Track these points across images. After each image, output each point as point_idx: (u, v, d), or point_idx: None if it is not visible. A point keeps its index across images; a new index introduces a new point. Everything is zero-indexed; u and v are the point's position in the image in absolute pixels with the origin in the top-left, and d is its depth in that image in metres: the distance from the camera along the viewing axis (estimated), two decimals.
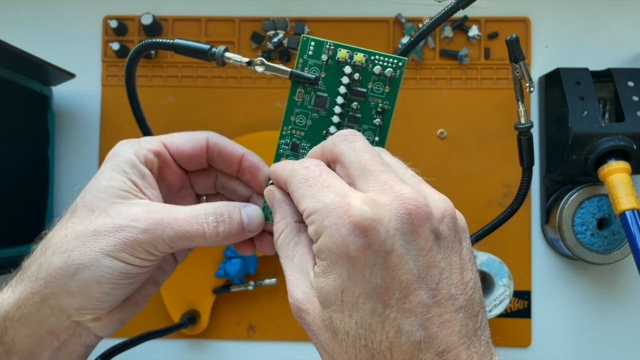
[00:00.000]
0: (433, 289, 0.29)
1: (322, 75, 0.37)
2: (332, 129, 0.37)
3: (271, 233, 0.38)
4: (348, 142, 0.32)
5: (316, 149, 0.34)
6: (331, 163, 0.33)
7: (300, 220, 0.34)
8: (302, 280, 0.31)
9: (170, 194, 0.41)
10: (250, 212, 0.37)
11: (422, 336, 0.28)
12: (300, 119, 0.38)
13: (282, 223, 0.34)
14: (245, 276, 0.60)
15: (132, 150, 0.37)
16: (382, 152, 0.34)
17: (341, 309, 0.29)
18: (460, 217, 0.32)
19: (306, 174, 0.31)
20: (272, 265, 0.60)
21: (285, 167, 0.34)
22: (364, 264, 0.28)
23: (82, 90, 0.62)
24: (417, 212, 0.29)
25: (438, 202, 0.31)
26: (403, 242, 0.28)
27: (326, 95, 0.37)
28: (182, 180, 0.40)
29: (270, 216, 0.38)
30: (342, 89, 0.37)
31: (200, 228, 0.35)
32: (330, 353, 0.30)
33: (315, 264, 0.31)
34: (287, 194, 0.35)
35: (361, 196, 0.29)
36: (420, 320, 0.28)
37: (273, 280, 0.59)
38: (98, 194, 0.36)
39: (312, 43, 0.37)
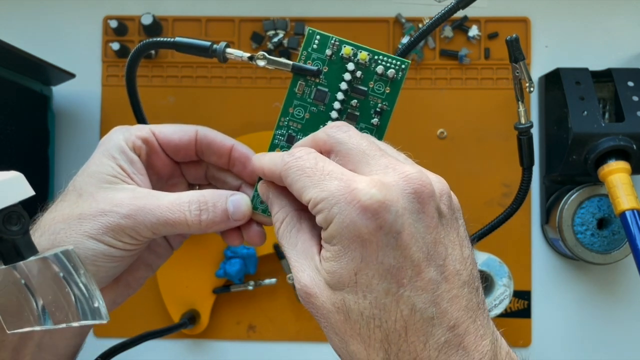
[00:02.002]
0: (441, 265, 0.30)
1: (325, 70, 0.37)
2: (329, 124, 0.37)
3: (259, 223, 0.39)
4: (343, 131, 0.32)
5: (306, 140, 0.34)
6: (324, 153, 0.33)
7: (300, 208, 0.34)
8: (307, 265, 0.32)
9: (161, 182, 0.41)
10: (237, 201, 0.37)
11: (434, 312, 0.29)
12: (299, 112, 0.38)
13: (282, 212, 0.34)
14: (245, 276, 0.60)
15: (122, 137, 0.38)
16: (374, 139, 0.34)
17: (355, 290, 0.29)
18: (454, 196, 0.33)
19: (301, 165, 0.31)
20: (272, 265, 0.60)
21: (276, 160, 0.34)
22: (376, 245, 0.29)
23: (82, 90, 0.62)
24: (422, 190, 0.29)
25: (435, 181, 0.31)
26: (412, 221, 0.29)
27: (326, 90, 0.37)
28: (171, 169, 0.41)
29: (259, 205, 0.38)
30: (343, 85, 0.37)
31: (182, 216, 0.35)
32: (341, 335, 0.30)
33: (320, 250, 0.31)
34: (281, 187, 0.35)
35: (366, 179, 0.29)
36: (432, 297, 0.29)
37: (273, 280, 0.59)
38: (87, 179, 0.36)
39: (318, 37, 0.37)
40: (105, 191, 0.35)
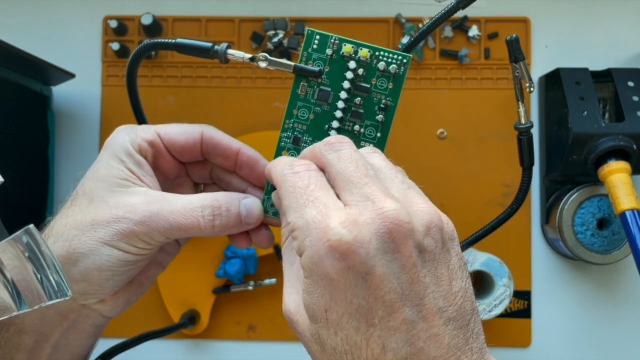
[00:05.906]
0: (418, 304, 0.29)
1: (326, 70, 0.37)
2: (334, 123, 0.37)
3: (267, 227, 0.39)
4: (334, 150, 0.32)
5: (307, 151, 0.34)
6: (321, 169, 0.33)
7: None
8: (297, 289, 0.32)
9: (167, 182, 0.41)
10: (249, 204, 0.37)
11: (408, 352, 0.28)
12: (303, 113, 0.38)
13: (285, 230, 0.34)
14: (245, 276, 0.60)
15: (127, 139, 0.37)
16: (373, 155, 0.33)
17: (327, 326, 0.29)
18: (448, 225, 0.31)
19: (294, 183, 0.31)
20: (272, 265, 0.60)
21: (277, 168, 0.33)
22: (344, 285, 0.28)
23: (82, 90, 0.62)
24: (397, 230, 0.28)
25: (423, 213, 0.30)
26: (385, 262, 0.28)
27: (329, 89, 0.37)
28: (177, 169, 0.41)
29: (269, 208, 0.38)
30: (346, 84, 0.37)
31: (195, 221, 0.35)
32: None
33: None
34: None
35: (342, 218, 0.29)
36: (406, 336, 0.28)
37: (273, 280, 0.59)
38: (97, 183, 0.36)
39: (317, 37, 0.37)
40: (117, 195, 0.35)
